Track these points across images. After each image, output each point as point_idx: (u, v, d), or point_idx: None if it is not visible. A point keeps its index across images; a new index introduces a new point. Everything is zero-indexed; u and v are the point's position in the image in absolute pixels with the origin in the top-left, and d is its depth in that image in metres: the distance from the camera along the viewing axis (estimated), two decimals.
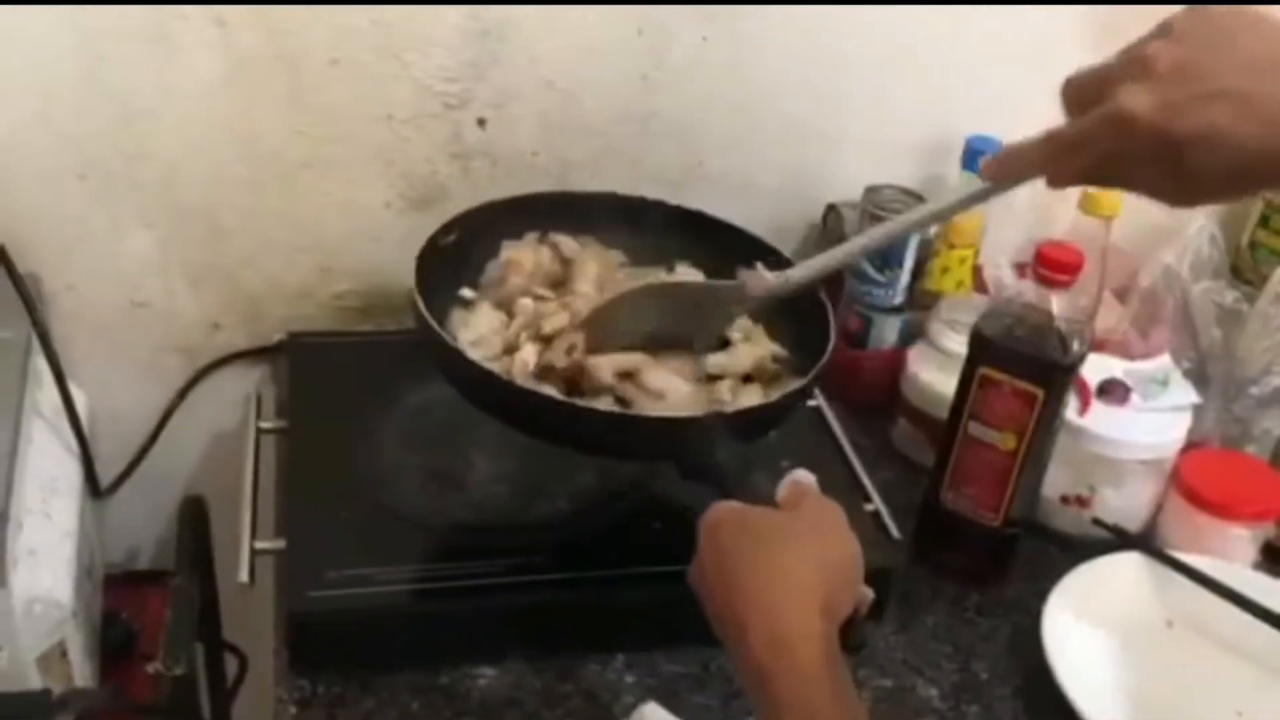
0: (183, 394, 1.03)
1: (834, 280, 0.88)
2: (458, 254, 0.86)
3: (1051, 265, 0.79)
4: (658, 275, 0.89)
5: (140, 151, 0.93)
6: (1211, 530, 0.90)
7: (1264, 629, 0.84)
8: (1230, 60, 0.55)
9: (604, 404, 0.78)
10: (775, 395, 0.79)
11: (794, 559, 0.58)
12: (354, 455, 0.85)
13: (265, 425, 0.92)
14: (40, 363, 0.88)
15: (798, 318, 0.85)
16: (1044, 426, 0.82)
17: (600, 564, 0.79)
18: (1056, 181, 0.62)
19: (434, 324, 0.76)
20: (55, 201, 0.93)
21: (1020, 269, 1.05)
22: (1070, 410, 0.87)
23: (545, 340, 0.81)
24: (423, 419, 0.89)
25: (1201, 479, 0.91)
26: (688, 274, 0.90)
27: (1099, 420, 0.91)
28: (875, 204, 0.98)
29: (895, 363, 1.02)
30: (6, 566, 0.72)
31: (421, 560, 0.79)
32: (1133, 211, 1.03)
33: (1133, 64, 0.57)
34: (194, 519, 0.92)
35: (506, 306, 0.85)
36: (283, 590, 0.77)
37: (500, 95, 0.98)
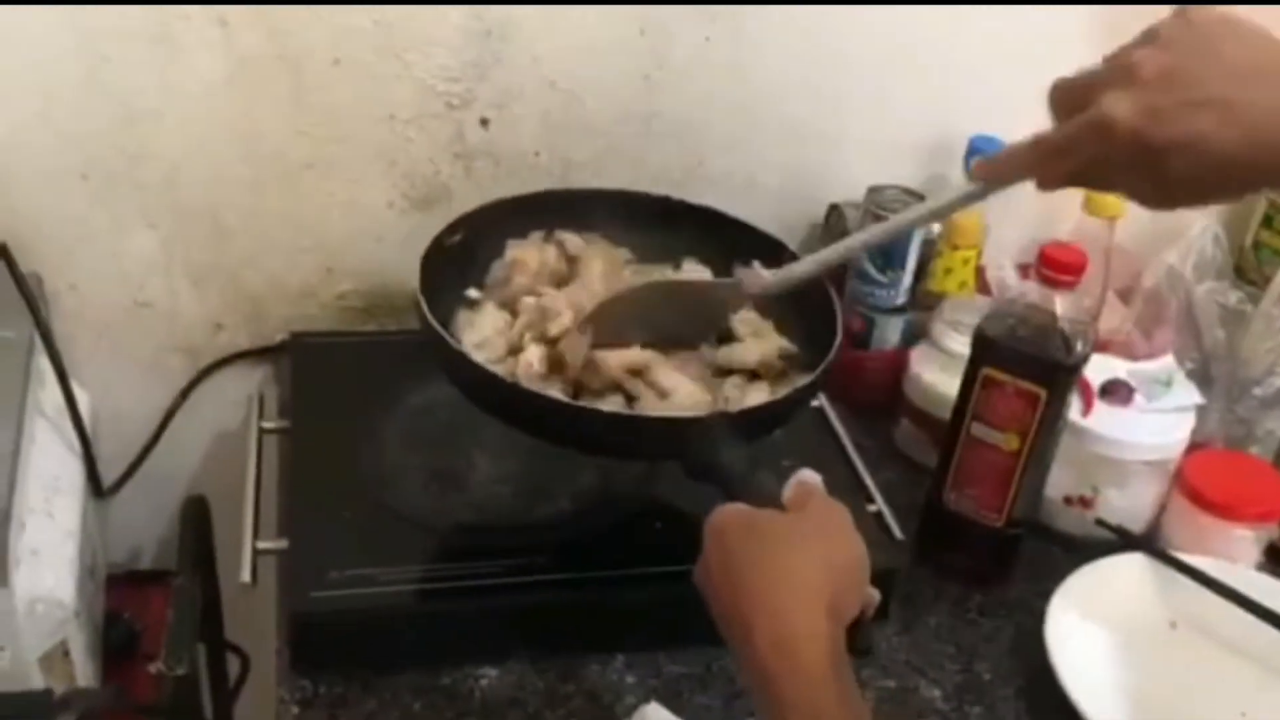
0: (185, 394, 1.03)
1: (835, 281, 0.88)
2: (463, 254, 0.86)
3: (1055, 266, 0.79)
4: (664, 272, 0.89)
5: (142, 151, 0.93)
6: (1215, 531, 0.90)
7: (1267, 630, 0.84)
8: (1214, 68, 0.56)
9: (610, 403, 0.78)
10: (783, 392, 0.79)
11: (800, 560, 0.58)
12: (356, 455, 0.85)
13: (268, 425, 0.92)
14: (43, 362, 0.88)
15: (807, 314, 0.85)
16: (1047, 427, 0.82)
17: (602, 564, 0.79)
18: (1045, 184, 0.62)
19: (438, 326, 0.76)
20: (58, 201, 0.93)
21: (1023, 270, 1.05)
22: (1073, 411, 0.87)
23: (550, 342, 0.81)
24: (425, 419, 0.89)
25: (1205, 480, 0.91)
26: (695, 270, 0.90)
27: (1102, 421, 0.90)
28: (878, 204, 0.98)
29: (898, 363, 1.02)
30: (9, 566, 0.72)
31: (424, 560, 0.79)
32: (1137, 212, 1.03)
33: (1117, 70, 0.58)
34: (196, 519, 0.92)
35: (511, 306, 0.85)
36: (285, 590, 0.77)
37: (502, 95, 0.98)
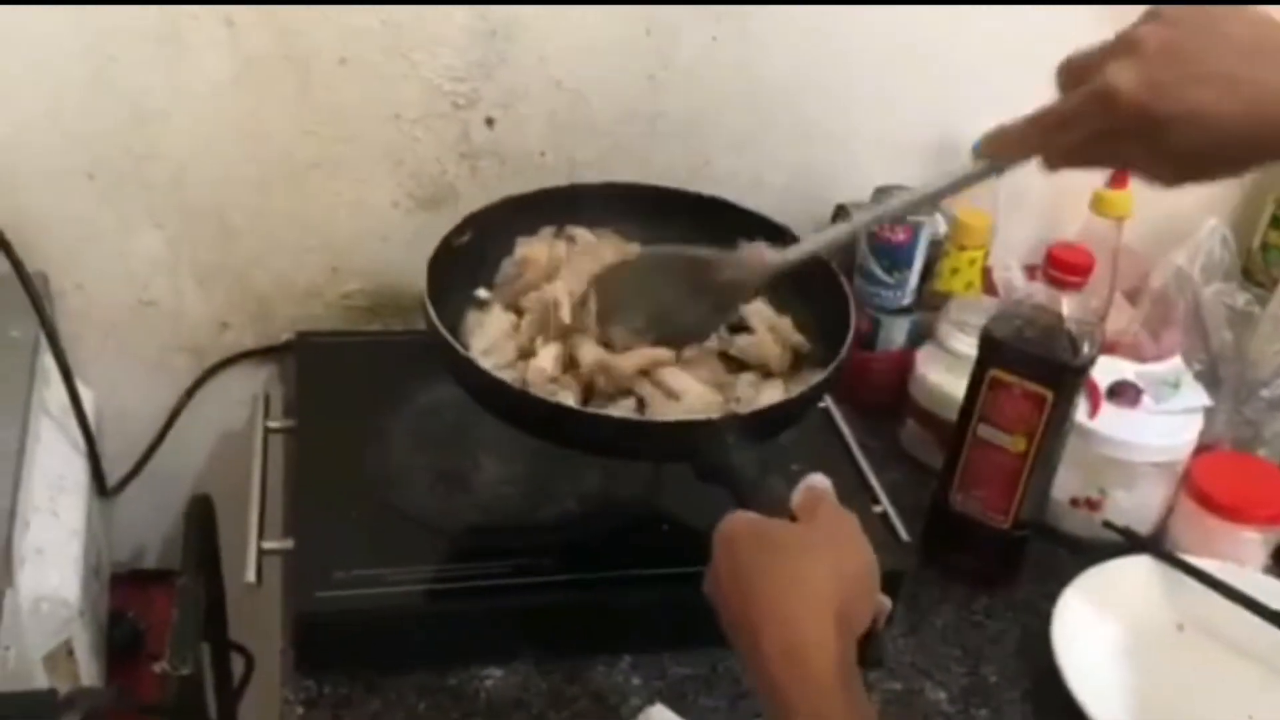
0: (190, 393, 1.03)
1: (847, 277, 0.88)
2: (472, 253, 0.86)
3: (1062, 267, 0.78)
4: None
5: (149, 151, 0.93)
6: (1222, 533, 0.90)
7: (1275, 632, 0.83)
8: (1218, 44, 0.57)
9: (621, 407, 0.77)
10: (796, 389, 0.79)
11: (809, 569, 0.58)
12: (362, 455, 0.85)
13: (273, 425, 0.92)
14: (48, 361, 0.88)
15: (818, 309, 0.85)
16: (1054, 429, 0.81)
17: (608, 565, 0.79)
18: (1050, 161, 0.62)
19: (446, 334, 0.76)
20: (64, 200, 0.93)
21: (1030, 271, 1.05)
22: (1080, 412, 0.86)
23: (562, 335, 0.80)
24: (431, 419, 0.89)
25: (1213, 482, 0.90)
26: None
27: (1109, 422, 0.90)
28: None
29: (904, 364, 1.02)
30: (13, 565, 0.72)
31: (429, 561, 0.79)
32: (1144, 213, 1.03)
33: (1122, 44, 0.58)
34: (201, 518, 0.92)
35: (519, 307, 0.85)
36: (290, 590, 0.77)
37: (508, 95, 0.98)
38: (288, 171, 0.97)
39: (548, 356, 0.79)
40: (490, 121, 0.99)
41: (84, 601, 0.78)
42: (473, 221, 0.86)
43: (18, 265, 0.86)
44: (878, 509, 0.88)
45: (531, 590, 0.77)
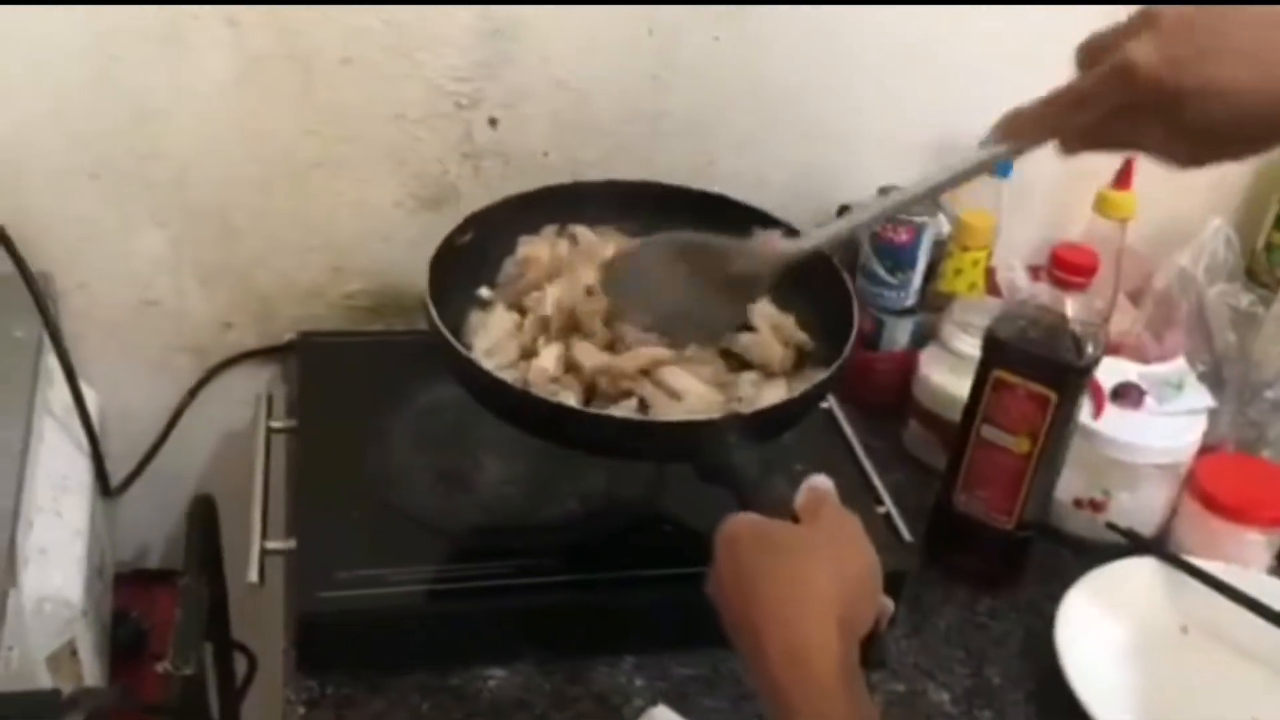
0: (193, 393, 1.03)
1: (851, 276, 0.87)
2: (475, 252, 0.86)
3: (1067, 268, 0.78)
4: None
5: (152, 151, 0.93)
6: (1226, 535, 0.90)
7: (1279, 634, 0.83)
8: (1237, 19, 0.56)
9: (623, 407, 0.77)
10: (799, 388, 0.78)
11: (812, 571, 0.58)
12: (364, 455, 0.85)
13: (276, 425, 0.92)
14: (51, 361, 0.88)
15: (821, 309, 0.85)
16: (1058, 430, 0.81)
17: (610, 566, 0.79)
18: (1066, 144, 0.62)
19: (448, 335, 0.76)
20: (67, 200, 0.93)
21: (1034, 271, 1.04)
22: (1084, 413, 0.86)
23: (564, 336, 0.80)
24: (433, 419, 0.89)
25: (1216, 483, 0.90)
26: None
27: (1113, 424, 0.90)
28: None
29: (907, 365, 1.02)
30: (17, 565, 0.72)
31: (431, 561, 0.79)
32: (1148, 214, 1.03)
33: (1141, 20, 0.58)
34: (204, 518, 0.92)
35: (522, 306, 0.85)
36: (292, 590, 0.77)
37: (511, 95, 0.98)
38: (290, 171, 0.97)
39: (550, 357, 0.79)
40: (493, 121, 0.99)
41: (87, 601, 0.78)
42: (475, 221, 0.86)
43: (21, 265, 0.86)
44: (881, 510, 0.88)
45: (534, 591, 0.77)
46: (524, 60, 0.97)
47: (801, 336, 0.85)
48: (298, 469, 0.85)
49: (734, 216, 0.88)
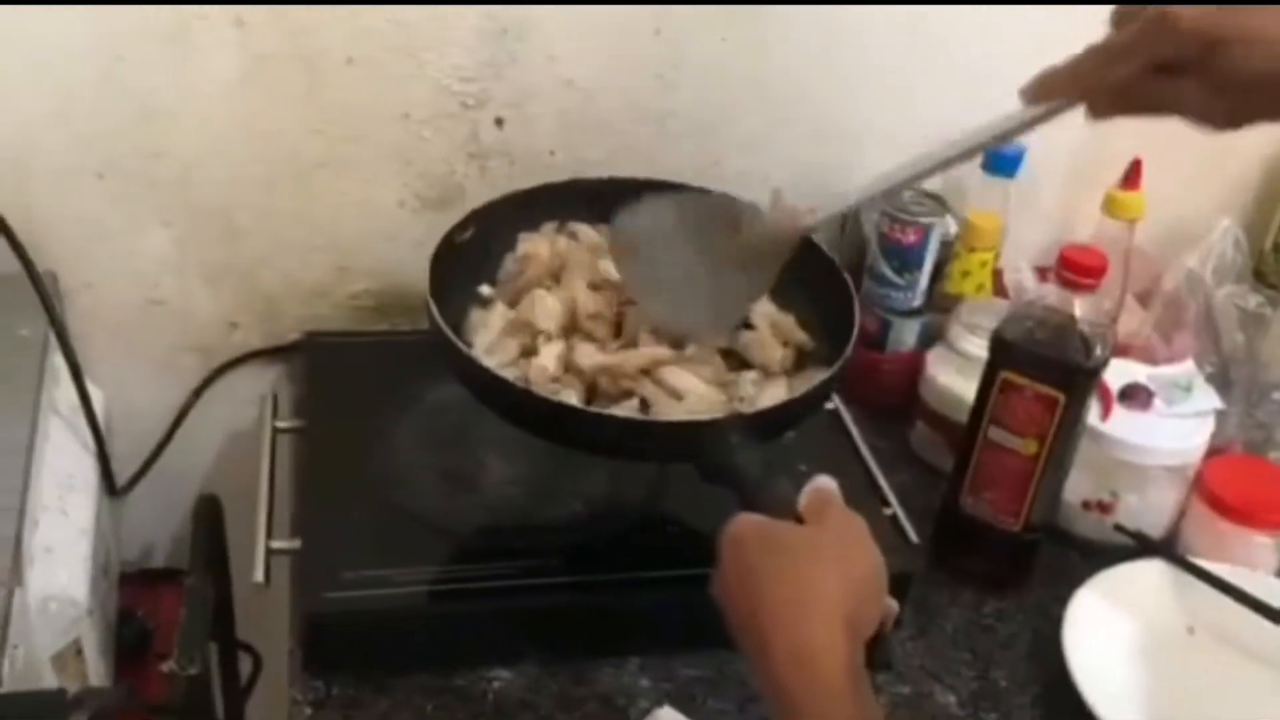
0: (199, 393, 1.03)
1: (854, 278, 0.87)
2: (475, 250, 0.86)
3: (1075, 269, 0.78)
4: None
5: (158, 150, 0.93)
6: (1234, 537, 0.89)
7: None
8: None
9: (624, 407, 0.77)
10: (800, 389, 0.78)
11: (818, 573, 0.58)
12: (370, 455, 0.85)
13: (281, 425, 0.92)
14: (58, 360, 0.88)
15: (822, 308, 0.85)
16: (1066, 431, 0.81)
17: (615, 567, 0.79)
18: (1097, 106, 0.60)
19: (448, 331, 0.76)
20: (73, 200, 0.93)
21: (1041, 273, 1.04)
22: (1092, 415, 0.86)
23: (565, 335, 0.80)
24: (438, 419, 0.89)
25: (1224, 485, 0.90)
26: None
27: (1121, 425, 0.90)
28: (895, 206, 0.97)
29: (914, 366, 1.01)
30: (22, 563, 0.72)
31: (436, 562, 0.79)
32: (1156, 214, 1.03)
33: None
34: (209, 518, 0.92)
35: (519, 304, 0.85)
36: (298, 591, 0.77)
37: (518, 94, 0.98)
38: (295, 171, 0.97)
39: (550, 355, 0.79)
40: (499, 121, 0.99)
41: (93, 601, 0.78)
42: (475, 217, 0.86)
43: (27, 264, 0.86)
44: (887, 511, 0.88)
45: (539, 591, 0.77)
46: (530, 60, 0.97)
47: (801, 336, 0.85)
48: (303, 469, 0.85)
49: None
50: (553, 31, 0.96)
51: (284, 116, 0.94)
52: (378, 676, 0.75)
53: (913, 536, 0.87)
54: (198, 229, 0.97)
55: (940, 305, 1.02)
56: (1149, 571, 0.88)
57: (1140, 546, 0.90)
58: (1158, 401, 0.92)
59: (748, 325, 0.85)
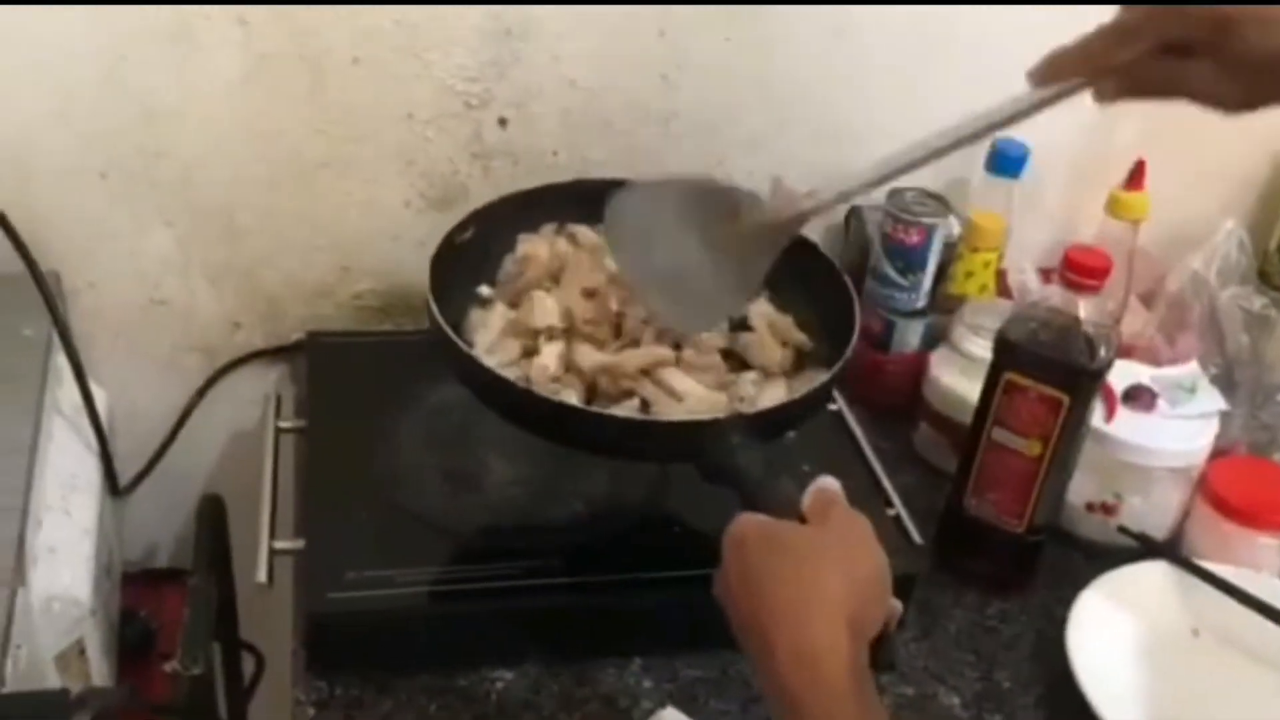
0: (202, 392, 1.03)
1: (855, 284, 0.87)
2: (475, 250, 0.86)
3: (1080, 270, 0.78)
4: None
5: (161, 150, 0.93)
6: (1238, 539, 0.89)
7: None
8: None
9: (624, 407, 0.77)
10: (800, 389, 0.78)
11: (821, 573, 0.57)
12: (373, 455, 0.85)
13: (284, 425, 0.92)
14: (61, 360, 0.88)
15: (823, 310, 0.84)
16: (1070, 433, 0.81)
17: (619, 568, 0.79)
18: (1105, 89, 0.59)
19: (449, 331, 0.76)
20: (76, 199, 0.93)
21: (1045, 274, 1.04)
22: (1096, 416, 0.86)
23: (565, 335, 0.80)
24: (441, 419, 0.89)
25: (1228, 487, 0.90)
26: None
27: (1125, 427, 0.89)
28: (898, 206, 0.97)
29: (917, 366, 1.01)
30: (26, 563, 0.72)
31: (439, 562, 0.79)
32: (1160, 215, 1.03)
33: None
34: (212, 518, 0.92)
35: (519, 305, 0.85)
36: (301, 591, 0.77)
37: (521, 95, 0.98)
38: (298, 171, 0.97)
39: (551, 355, 0.79)
40: (503, 121, 0.99)
41: (96, 601, 0.78)
42: (476, 218, 0.86)
43: (31, 264, 0.86)
44: (891, 512, 0.88)
45: (542, 592, 0.77)
46: (534, 60, 0.97)
47: (800, 337, 0.85)
48: (306, 469, 0.85)
49: None
50: (556, 31, 0.96)
51: (287, 116, 0.94)
52: (380, 677, 0.75)
53: (916, 538, 0.87)
54: (200, 229, 0.97)
55: (944, 306, 1.02)
56: (1153, 573, 0.88)
57: (1144, 548, 0.90)
58: (1162, 403, 0.91)
59: (747, 326, 0.85)
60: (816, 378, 0.79)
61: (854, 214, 1.08)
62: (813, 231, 1.09)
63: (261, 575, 0.77)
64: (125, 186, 0.94)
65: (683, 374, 0.80)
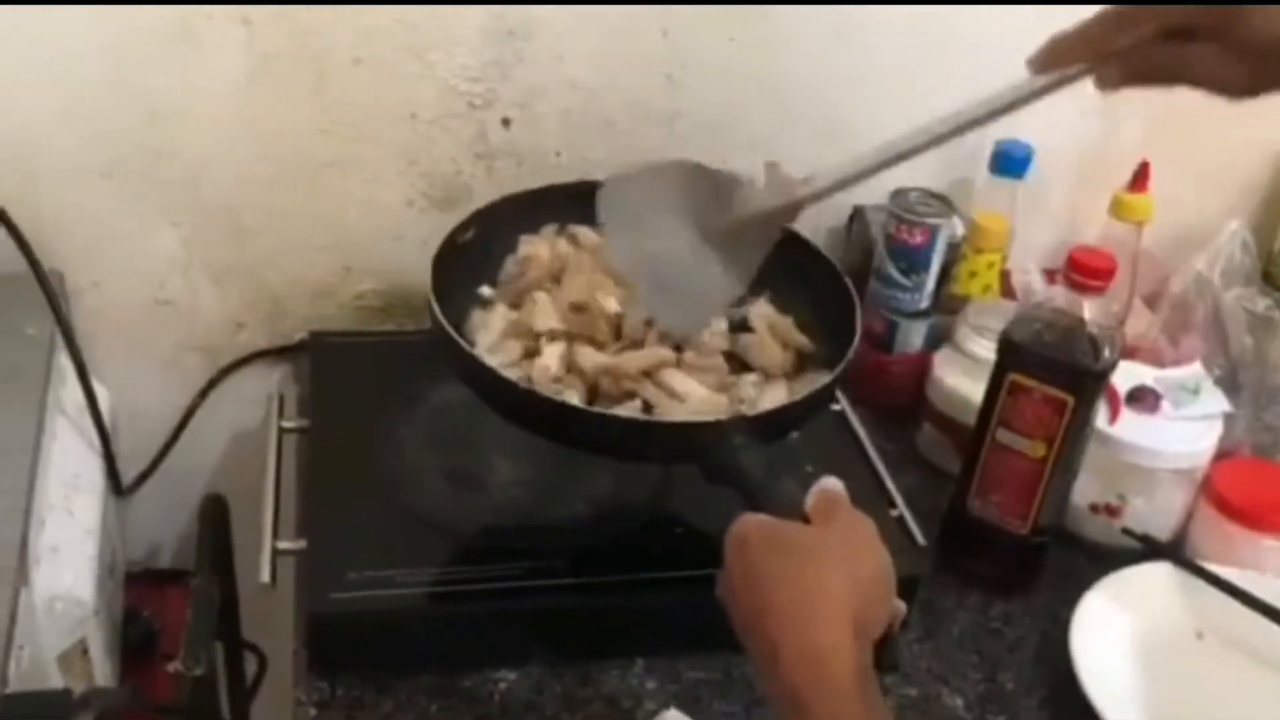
0: (205, 392, 1.03)
1: (858, 284, 0.87)
2: (477, 250, 0.86)
3: (1084, 271, 0.78)
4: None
5: (165, 150, 0.93)
6: (1242, 541, 0.89)
7: None
8: None
9: (626, 408, 0.77)
10: (801, 391, 0.78)
11: (825, 574, 0.57)
12: (375, 455, 0.85)
13: (287, 425, 0.92)
14: (64, 359, 0.88)
15: (824, 311, 0.84)
16: (1074, 434, 0.80)
17: (621, 568, 0.78)
18: (1107, 76, 0.58)
19: (451, 331, 0.76)
20: (80, 199, 0.93)
21: (1049, 275, 1.04)
22: (1100, 418, 0.86)
23: (566, 336, 0.80)
24: (443, 420, 0.89)
25: (1232, 488, 0.89)
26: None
27: (1129, 428, 0.89)
28: (902, 207, 0.97)
29: (921, 367, 1.01)
30: (28, 563, 0.72)
31: (442, 563, 0.79)
32: (1164, 217, 1.02)
33: None
34: (215, 518, 0.92)
35: (521, 306, 0.85)
36: (304, 591, 0.77)
37: (525, 95, 0.98)
38: (302, 171, 0.97)
39: (552, 355, 0.79)
40: (506, 121, 0.99)
41: (99, 600, 0.78)
42: (477, 218, 0.86)
43: (34, 263, 0.86)
44: (894, 513, 0.88)
45: (544, 593, 0.77)
46: (537, 60, 0.97)
47: (801, 339, 0.85)
48: (309, 469, 0.85)
49: None
50: (560, 31, 0.96)
51: (291, 116, 0.94)
52: (382, 677, 0.75)
53: (920, 539, 0.86)
54: (204, 229, 0.97)
55: (947, 307, 1.02)
56: (1157, 575, 0.88)
57: (1148, 550, 0.90)
58: (1165, 404, 0.91)
59: (747, 328, 0.85)
60: (818, 379, 0.79)
61: (857, 214, 1.08)
62: (815, 232, 1.10)
63: (264, 575, 0.77)
64: (128, 186, 0.94)
65: (684, 375, 0.80)
